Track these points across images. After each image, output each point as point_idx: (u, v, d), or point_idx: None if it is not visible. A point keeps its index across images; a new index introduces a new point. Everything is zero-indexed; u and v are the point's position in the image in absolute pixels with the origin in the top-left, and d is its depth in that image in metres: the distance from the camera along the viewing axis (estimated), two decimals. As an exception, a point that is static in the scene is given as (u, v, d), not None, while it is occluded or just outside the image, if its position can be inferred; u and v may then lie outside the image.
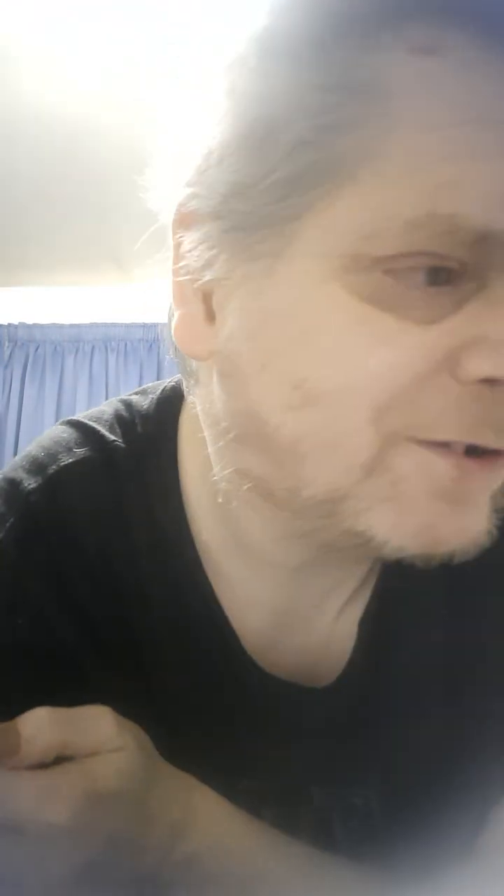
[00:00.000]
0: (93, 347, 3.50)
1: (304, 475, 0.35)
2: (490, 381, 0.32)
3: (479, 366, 0.32)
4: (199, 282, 0.36)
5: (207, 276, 0.36)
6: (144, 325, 3.45)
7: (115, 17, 1.89)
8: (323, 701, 0.47)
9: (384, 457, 0.34)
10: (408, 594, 0.47)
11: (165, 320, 0.42)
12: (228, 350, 0.36)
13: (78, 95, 2.21)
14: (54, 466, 0.46)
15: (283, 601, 0.47)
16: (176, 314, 0.38)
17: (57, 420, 3.18)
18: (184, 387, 0.46)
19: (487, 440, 0.33)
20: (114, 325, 3.49)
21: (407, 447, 0.34)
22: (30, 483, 0.45)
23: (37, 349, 3.52)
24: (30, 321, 3.53)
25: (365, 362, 0.32)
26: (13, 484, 0.46)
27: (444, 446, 0.34)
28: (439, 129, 0.30)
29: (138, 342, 3.48)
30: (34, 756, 0.34)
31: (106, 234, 3.12)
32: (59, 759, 0.35)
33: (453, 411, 0.33)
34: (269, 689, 0.46)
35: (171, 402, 0.49)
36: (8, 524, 0.44)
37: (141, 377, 3.44)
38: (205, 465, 0.43)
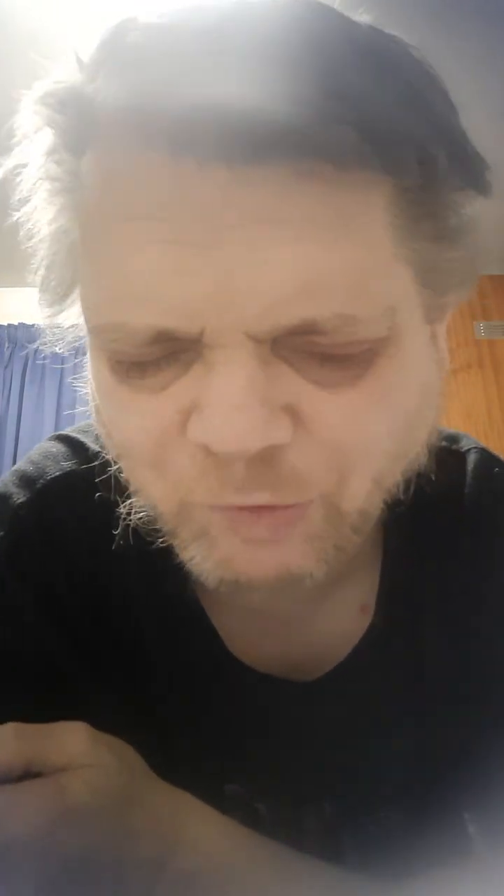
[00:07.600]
0: (93, 347, 3.51)
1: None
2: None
3: (193, 432, 0.32)
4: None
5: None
6: (144, 326, 3.45)
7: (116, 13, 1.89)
8: (317, 694, 0.46)
9: (186, 508, 0.36)
10: (415, 580, 0.47)
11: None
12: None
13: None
14: (42, 480, 0.47)
15: (264, 600, 0.46)
16: None
17: (57, 420, 3.15)
18: None
19: (257, 500, 0.33)
20: (114, 325, 3.49)
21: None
22: (19, 497, 0.47)
23: (37, 349, 3.52)
24: (30, 321, 3.53)
25: (126, 428, 0.36)
26: (3, 499, 0.47)
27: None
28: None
29: (138, 342, 3.48)
30: None
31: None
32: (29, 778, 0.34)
33: (200, 477, 0.34)
34: (259, 688, 0.46)
35: None
36: None
37: (141, 377, 3.44)
38: None
